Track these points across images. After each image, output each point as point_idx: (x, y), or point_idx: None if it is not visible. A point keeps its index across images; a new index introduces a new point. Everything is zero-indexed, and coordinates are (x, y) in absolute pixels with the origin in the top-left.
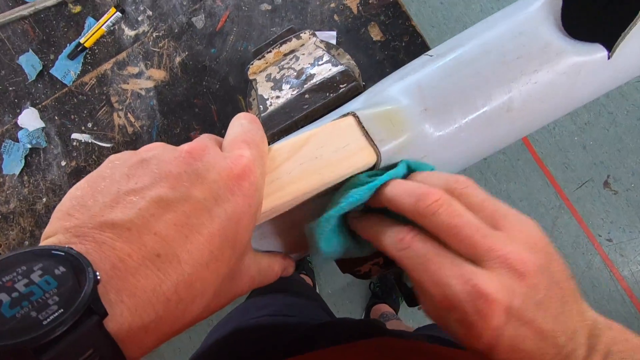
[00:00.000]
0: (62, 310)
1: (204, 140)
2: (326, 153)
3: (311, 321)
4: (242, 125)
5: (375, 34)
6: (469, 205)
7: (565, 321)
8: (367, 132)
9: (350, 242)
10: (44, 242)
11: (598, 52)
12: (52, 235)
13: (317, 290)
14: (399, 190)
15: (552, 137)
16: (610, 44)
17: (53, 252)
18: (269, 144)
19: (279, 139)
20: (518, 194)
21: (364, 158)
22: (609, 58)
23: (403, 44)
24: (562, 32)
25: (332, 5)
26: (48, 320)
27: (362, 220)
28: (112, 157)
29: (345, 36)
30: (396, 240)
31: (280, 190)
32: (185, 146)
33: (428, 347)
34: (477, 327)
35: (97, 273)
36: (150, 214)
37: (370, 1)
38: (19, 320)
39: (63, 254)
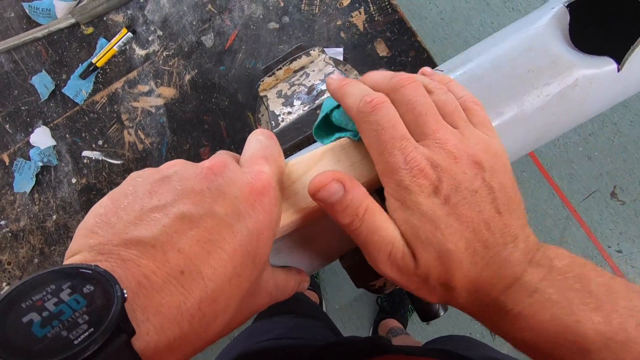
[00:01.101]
0: (92, 329)
1: (223, 156)
2: (342, 167)
3: (317, 342)
4: (260, 141)
5: (382, 49)
6: (440, 103)
7: (505, 223)
8: None
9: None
10: (69, 260)
11: (607, 65)
12: (77, 253)
13: (324, 306)
14: (380, 74)
15: (556, 148)
16: (619, 57)
17: (80, 270)
18: None
19: (291, 154)
20: (525, 206)
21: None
22: (618, 71)
23: (409, 59)
24: (571, 46)
25: (339, 22)
26: (79, 339)
27: (335, 82)
28: (134, 174)
29: (351, 52)
30: (364, 101)
31: (297, 206)
32: (206, 162)
33: None
34: (410, 190)
35: (124, 291)
36: (174, 231)
37: (375, 18)
38: (51, 340)
39: (90, 272)
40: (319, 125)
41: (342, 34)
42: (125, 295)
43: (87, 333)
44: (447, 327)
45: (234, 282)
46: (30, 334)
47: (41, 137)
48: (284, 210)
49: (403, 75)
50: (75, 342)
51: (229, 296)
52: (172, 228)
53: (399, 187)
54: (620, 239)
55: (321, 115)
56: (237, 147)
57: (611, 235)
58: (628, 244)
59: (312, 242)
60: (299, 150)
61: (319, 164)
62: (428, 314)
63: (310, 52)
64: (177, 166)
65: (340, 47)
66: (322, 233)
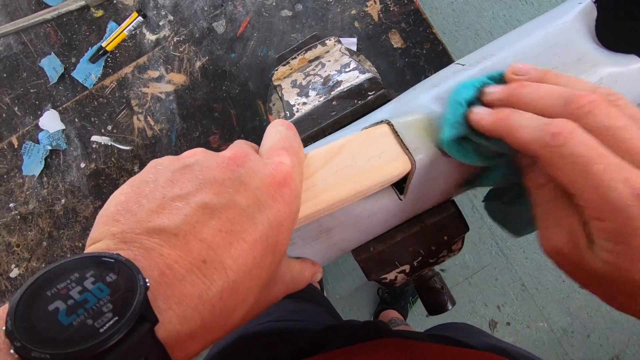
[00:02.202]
0: (116, 318)
1: (243, 146)
2: (360, 161)
3: (317, 326)
4: (280, 132)
5: (396, 40)
6: (634, 116)
7: None
8: (401, 140)
9: (480, 145)
10: (90, 248)
11: (634, 63)
12: (99, 240)
13: (326, 295)
14: (541, 92)
15: None
16: None
17: (103, 258)
18: None
19: (306, 145)
20: None
21: (399, 166)
22: None
23: (424, 51)
24: (597, 44)
25: (353, 12)
26: (104, 328)
27: (489, 115)
28: (154, 162)
29: (365, 43)
30: (549, 134)
31: (315, 198)
32: (227, 152)
33: (433, 347)
34: None
35: (147, 280)
36: (196, 220)
37: (391, 8)
38: (77, 329)
39: (113, 260)
40: (450, 142)
41: (356, 24)
42: (148, 285)
43: (112, 322)
44: (446, 320)
45: (255, 273)
46: (56, 322)
47: (50, 121)
48: (302, 202)
49: (580, 98)
50: (101, 330)
51: (249, 287)
52: (194, 217)
53: (625, 226)
54: None
55: (452, 133)
56: (247, 135)
57: None
58: None
59: (327, 234)
60: (314, 142)
61: (338, 156)
62: (436, 308)
63: (326, 41)
64: (198, 155)
65: (354, 37)
66: (338, 226)
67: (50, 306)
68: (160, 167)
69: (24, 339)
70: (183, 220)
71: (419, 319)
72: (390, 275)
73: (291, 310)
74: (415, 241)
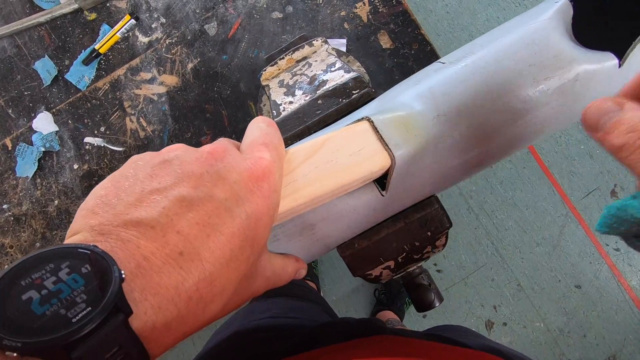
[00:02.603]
0: (90, 308)
1: (224, 142)
2: (341, 157)
3: (313, 323)
4: (261, 128)
5: (385, 41)
6: None
7: None
8: (381, 137)
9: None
10: (69, 240)
11: (609, 61)
12: (77, 233)
13: (322, 296)
14: None
15: (558, 146)
16: (621, 53)
17: (79, 250)
18: None
19: (292, 143)
20: (524, 202)
21: (379, 162)
22: (619, 66)
23: (412, 52)
24: (573, 41)
25: (343, 13)
26: (77, 318)
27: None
28: (135, 157)
29: (355, 44)
30: None
31: (295, 193)
32: (206, 147)
33: (428, 344)
34: None
35: (122, 272)
36: (174, 213)
37: (380, 10)
38: (49, 318)
39: (89, 252)
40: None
41: (346, 25)
42: (123, 276)
43: (85, 312)
44: (443, 322)
45: (232, 265)
46: (29, 311)
47: (44, 123)
48: (283, 197)
49: None
50: (73, 320)
51: (227, 279)
52: (172, 210)
53: None
54: (618, 237)
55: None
56: (238, 136)
57: None
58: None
59: (310, 230)
60: (299, 140)
61: (319, 152)
62: (423, 305)
63: (313, 42)
64: (177, 150)
65: (343, 38)
66: (321, 221)
67: (24, 295)
68: (140, 162)
69: None
70: (160, 212)
71: (415, 320)
72: (376, 271)
73: (288, 308)
74: (399, 237)
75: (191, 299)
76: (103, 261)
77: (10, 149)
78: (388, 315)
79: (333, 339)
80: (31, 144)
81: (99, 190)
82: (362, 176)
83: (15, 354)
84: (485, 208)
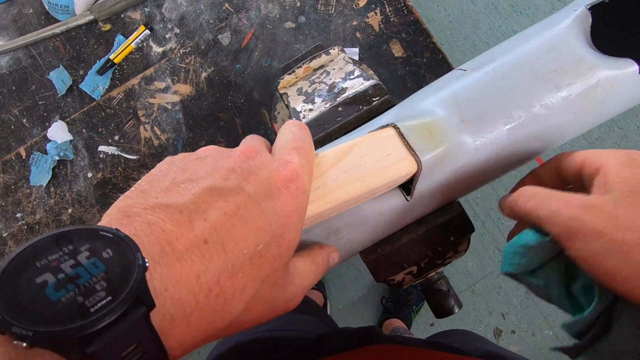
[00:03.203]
0: (110, 297)
1: (256, 142)
2: (369, 162)
3: (311, 335)
4: (293, 132)
5: (397, 50)
6: None
7: None
8: (407, 143)
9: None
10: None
11: (629, 67)
12: (106, 217)
13: (329, 306)
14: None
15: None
16: None
17: (101, 232)
18: None
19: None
20: None
21: (405, 167)
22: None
23: (424, 60)
24: (593, 48)
25: (355, 23)
26: (96, 307)
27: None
28: (169, 157)
29: (367, 52)
30: None
31: (325, 196)
32: (239, 147)
33: (425, 352)
34: None
35: (146, 260)
36: (203, 200)
37: (391, 19)
38: (65, 305)
39: (111, 235)
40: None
41: (358, 34)
42: (147, 265)
43: (104, 301)
44: (452, 328)
45: (255, 262)
46: (43, 296)
47: (58, 132)
48: (313, 200)
49: None
50: (92, 309)
51: (248, 275)
52: (201, 198)
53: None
54: None
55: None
56: None
57: None
58: None
59: (336, 235)
60: (321, 146)
61: (348, 157)
62: (443, 311)
63: (330, 51)
64: (211, 150)
65: (356, 47)
66: (346, 226)
67: (38, 278)
68: (175, 159)
69: (5, 312)
70: (189, 199)
71: (423, 328)
72: (398, 277)
73: (285, 321)
74: (422, 242)
75: (211, 292)
76: (126, 246)
77: (24, 158)
78: (395, 323)
79: (331, 349)
80: (45, 152)
81: (136, 184)
82: (390, 181)
83: (24, 344)
84: (492, 215)
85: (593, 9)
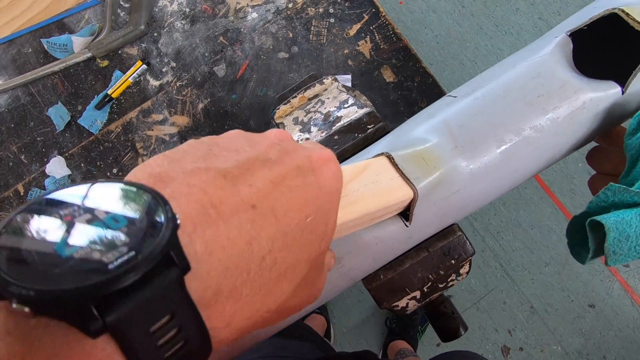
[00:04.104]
0: (133, 252)
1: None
2: (384, 180)
3: None
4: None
5: (388, 75)
6: None
7: None
8: (402, 172)
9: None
10: None
11: (612, 89)
12: (133, 178)
13: (332, 329)
14: None
15: (556, 165)
16: (622, 81)
17: (124, 185)
18: None
19: None
20: (529, 222)
21: (401, 195)
22: (622, 93)
23: (415, 84)
24: (577, 72)
25: (346, 51)
26: (115, 264)
27: None
28: (193, 138)
29: (359, 79)
30: None
31: (350, 206)
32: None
33: None
34: None
35: (177, 215)
36: (246, 168)
37: (381, 47)
38: (77, 262)
39: (135, 189)
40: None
41: (350, 62)
42: (178, 222)
43: (126, 257)
44: (458, 347)
45: (307, 236)
46: (52, 253)
47: (56, 167)
48: (339, 208)
49: None
50: (110, 266)
51: (300, 250)
52: (244, 165)
53: None
54: None
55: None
56: None
57: None
58: None
59: (338, 264)
60: None
61: (364, 173)
62: (448, 334)
63: (324, 80)
64: (239, 132)
65: (348, 74)
66: (347, 254)
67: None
68: (203, 138)
69: (4, 269)
70: (232, 165)
71: (429, 349)
72: (402, 302)
73: (279, 347)
74: (423, 266)
75: (264, 261)
76: (152, 200)
77: (22, 194)
78: (401, 345)
79: None
80: (44, 188)
81: (161, 154)
82: (406, 198)
83: (26, 309)
84: (491, 230)
85: (573, 35)
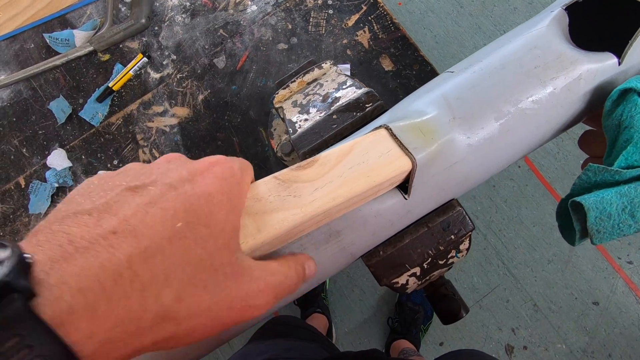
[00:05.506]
0: None
1: (179, 154)
2: (371, 158)
3: None
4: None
5: (387, 64)
6: None
7: None
8: (401, 142)
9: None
10: None
11: (608, 60)
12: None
13: (334, 330)
14: None
15: (557, 162)
16: (618, 52)
17: None
18: (300, 162)
19: (310, 157)
20: (530, 219)
21: (400, 166)
22: (619, 64)
23: (414, 72)
24: (573, 45)
25: (345, 41)
26: None
27: None
28: (88, 179)
29: (358, 68)
30: None
31: (333, 192)
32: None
33: None
34: None
35: (27, 255)
36: (115, 201)
37: (379, 36)
38: None
39: None
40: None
41: (349, 52)
42: (29, 261)
43: None
44: (460, 346)
45: (177, 243)
46: None
47: (57, 159)
48: (320, 198)
49: None
50: None
51: (170, 257)
52: (114, 198)
53: None
54: (630, 250)
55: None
56: (250, 160)
57: (620, 246)
58: (638, 254)
59: (336, 238)
60: (317, 153)
61: (350, 155)
62: (449, 316)
63: (322, 65)
64: (134, 165)
65: (347, 64)
66: (346, 228)
67: None
68: (92, 179)
69: None
70: (102, 202)
71: (432, 348)
72: (402, 279)
73: (285, 349)
74: (423, 242)
75: (122, 277)
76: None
77: (23, 187)
78: (403, 344)
79: None
80: (45, 180)
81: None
82: (392, 176)
83: None
84: (492, 227)
85: (569, 8)
